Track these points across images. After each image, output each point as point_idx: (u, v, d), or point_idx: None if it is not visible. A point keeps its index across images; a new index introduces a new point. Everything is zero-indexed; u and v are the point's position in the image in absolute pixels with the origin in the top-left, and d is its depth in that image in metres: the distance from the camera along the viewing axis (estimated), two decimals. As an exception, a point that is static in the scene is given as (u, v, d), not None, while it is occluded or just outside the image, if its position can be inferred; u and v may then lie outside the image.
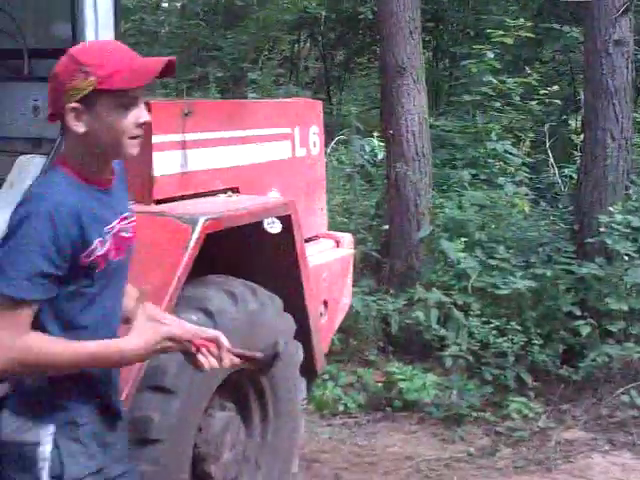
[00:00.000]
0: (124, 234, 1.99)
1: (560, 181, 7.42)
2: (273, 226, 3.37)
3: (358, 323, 5.75)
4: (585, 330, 5.31)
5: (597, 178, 5.92)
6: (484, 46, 7.40)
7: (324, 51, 11.88)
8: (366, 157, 7.73)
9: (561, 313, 5.52)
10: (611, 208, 5.72)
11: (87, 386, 1.95)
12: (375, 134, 7.77)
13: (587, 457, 4.62)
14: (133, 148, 1.95)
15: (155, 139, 3.21)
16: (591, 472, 4.46)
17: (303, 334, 3.60)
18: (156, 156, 3.21)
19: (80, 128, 1.88)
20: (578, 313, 5.44)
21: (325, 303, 4.05)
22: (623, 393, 5.15)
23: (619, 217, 5.61)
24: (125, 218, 2.01)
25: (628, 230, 5.55)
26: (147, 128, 3.26)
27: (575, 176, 6.78)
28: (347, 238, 4.48)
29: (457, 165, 7.05)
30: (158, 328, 1.99)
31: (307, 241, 3.94)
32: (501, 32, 7.45)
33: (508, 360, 5.34)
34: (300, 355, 3.59)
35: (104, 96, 1.87)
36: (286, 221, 3.44)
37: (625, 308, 5.27)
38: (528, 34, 7.69)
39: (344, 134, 7.96)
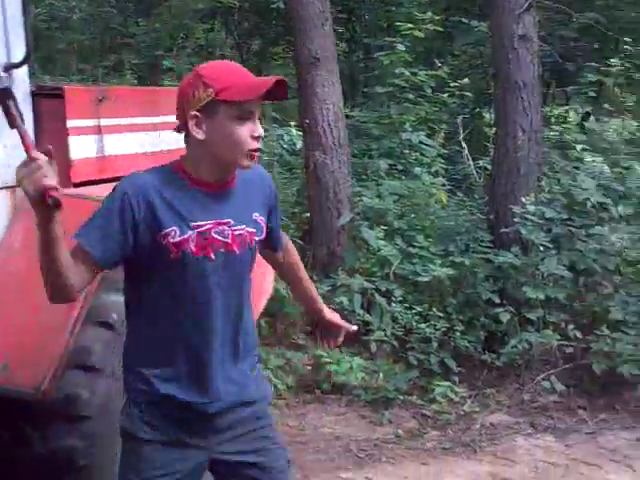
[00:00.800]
0: (217, 237, 2.15)
1: (475, 172, 7.54)
2: None
3: (285, 307, 5.73)
4: (505, 317, 5.39)
5: (509, 170, 6.04)
6: (395, 39, 7.44)
7: (239, 40, 11.76)
8: (285, 146, 7.71)
9: (481, 300, 5.59)
10: (523, 199, 5.83)
11: (147, 379, 2.21)
12: (293, 124, 7.73)
13: (511, 440, 4.70)
14: (245, 160, 2.13)
15: (70, 123, 3.30)
16: (514, 454, 4.54)
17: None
18: (72, 140, 3.27)
19: (199, 135, 2.09)
20: (497, 301, 5.52)
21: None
22: (544, 379, 5.24)
23: (532, 208, 5.71)
24: (224, 224, 2.16)
25: (542, 221, 5.65)
26: (61, 113, 3.28)
27: (489, 167, 6.90)
28: (267, 224, 4.45)
29: (373, 155, 7.08)
30: None
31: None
32: (410, 25, 7.51)
33: (432, 345, 5.40)
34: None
35: (222, 107, 2.07)
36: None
37: (542, 297, 5.36)
38: (437, 28, 7.79)
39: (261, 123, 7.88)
